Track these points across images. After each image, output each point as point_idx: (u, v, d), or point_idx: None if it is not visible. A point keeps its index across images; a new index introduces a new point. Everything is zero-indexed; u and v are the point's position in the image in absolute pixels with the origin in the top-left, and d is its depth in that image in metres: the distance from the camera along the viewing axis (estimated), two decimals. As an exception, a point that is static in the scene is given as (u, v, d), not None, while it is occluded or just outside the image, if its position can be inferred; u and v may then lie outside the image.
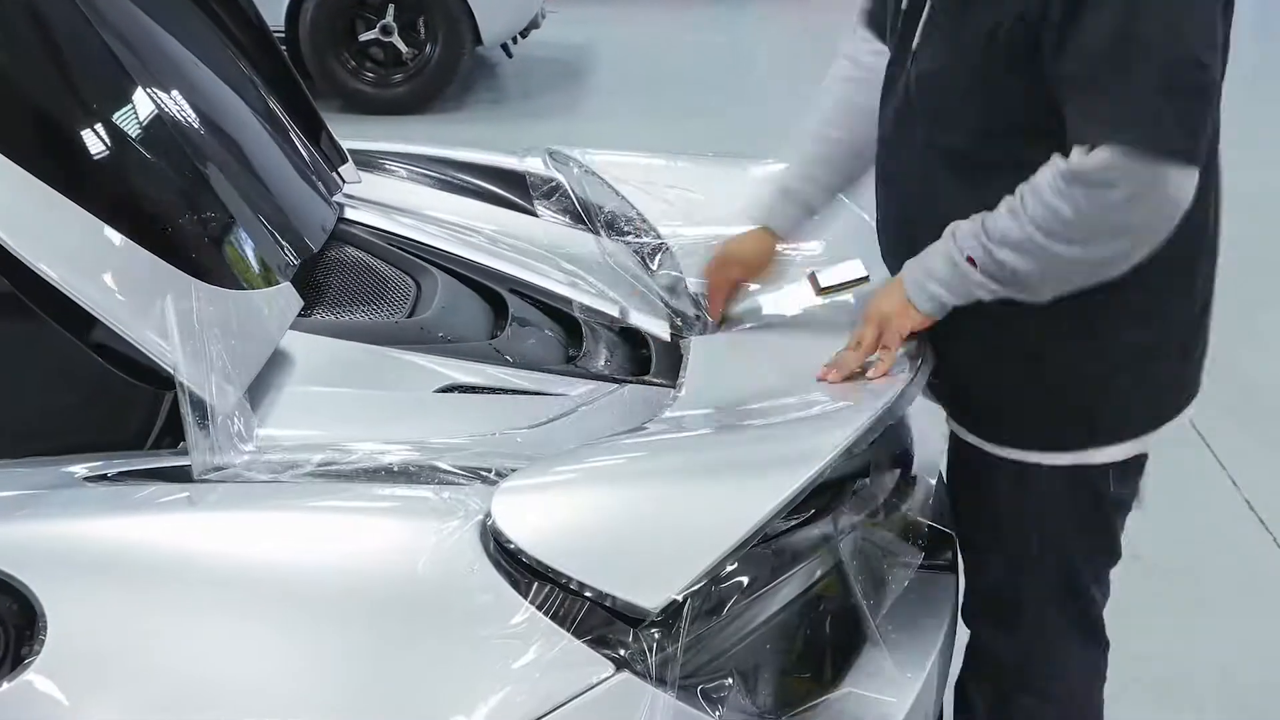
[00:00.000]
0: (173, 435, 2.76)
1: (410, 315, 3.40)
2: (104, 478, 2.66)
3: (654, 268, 3.82)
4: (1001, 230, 2.67)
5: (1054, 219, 2.59)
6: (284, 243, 3.35)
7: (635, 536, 2.58)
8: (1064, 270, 2.69)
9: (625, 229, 4.01)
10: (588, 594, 2.39)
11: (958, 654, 3.27)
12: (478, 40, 10.29)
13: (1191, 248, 2.83)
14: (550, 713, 2.34)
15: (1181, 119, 2.55)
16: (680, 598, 2.38)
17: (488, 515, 2.46)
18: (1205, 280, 2.95)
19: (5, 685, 2.27)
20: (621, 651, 2.39)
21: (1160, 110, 2.53)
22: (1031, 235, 2.62)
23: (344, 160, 4.06)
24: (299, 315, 3.13)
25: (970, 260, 2.71)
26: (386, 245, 3.73)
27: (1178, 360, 2.97)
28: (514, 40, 10.87)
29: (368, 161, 4.31)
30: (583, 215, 4.09)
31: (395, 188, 4.20)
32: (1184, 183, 2.56)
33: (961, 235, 2.75)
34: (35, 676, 2.26)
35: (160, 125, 3.25)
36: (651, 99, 9.82)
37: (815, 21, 12.69)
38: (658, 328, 3.50)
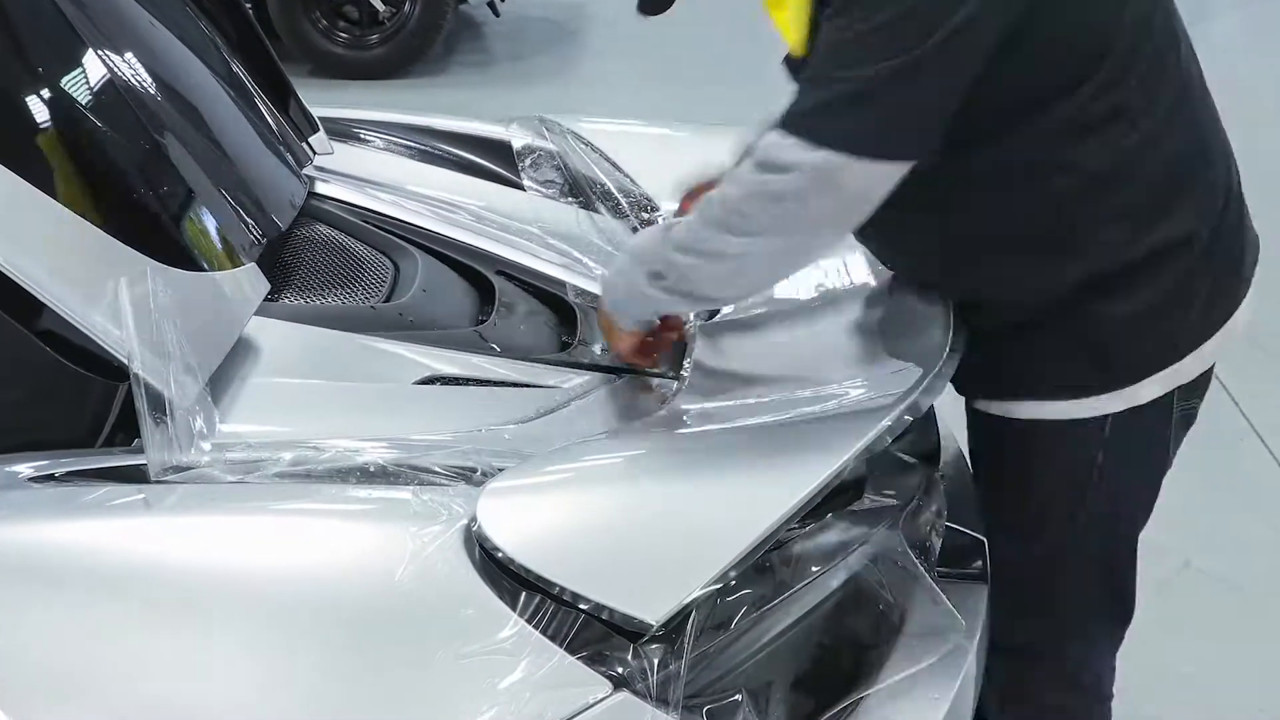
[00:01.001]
0: (126, 431, 2.77)
1: (387, 299, 3.42)
2: (51, 478, 2.66)
3: None
4: (677, 237, 2.76)
5: (724, 207, 2.68)
6: (249, 220, 3.38)
7: (635, 543, 2.58)
8: (736, 266, 2.75)
9: (622, 204, 4.03)
10: (583, 606, 2.39)
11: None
12: (461, -4, 10.36)
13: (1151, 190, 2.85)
14: None
15: (862, 110, 2.58)
16: (684, 610, 2.38)
17: (473, 519, 2.47)
18: (1193, 219, 2.91)
19: (-58, 706, 2.28)
20: (620, 669, 2.40)
21: (831, 100, 2.59)
22: (700, 231, 2.72)
23: (315, 129, 4.10)
24: (266, 299, 3.15)
25: (654, 274, 2.81)
26: (361, 222, 3.76)
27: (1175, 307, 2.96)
28: (501, -2, 10.92)
29: (341, 131, 4.34)
30: (576, 189, 4.12)
31: (371, 159, 4.23)
32: (866, 177, 2.59)
33: (641, 249, 2.91)
34: (-25, 696, 2.27)
35: (112, 89, 3.27)
36: (651, 62, 9.87)
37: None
38: None
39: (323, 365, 3.10)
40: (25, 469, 2.68)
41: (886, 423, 2.67)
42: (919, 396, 2.79)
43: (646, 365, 3.17)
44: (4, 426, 2.80)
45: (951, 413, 3.36)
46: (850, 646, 2.90)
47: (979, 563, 3.18)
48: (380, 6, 10.38)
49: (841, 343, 3.21)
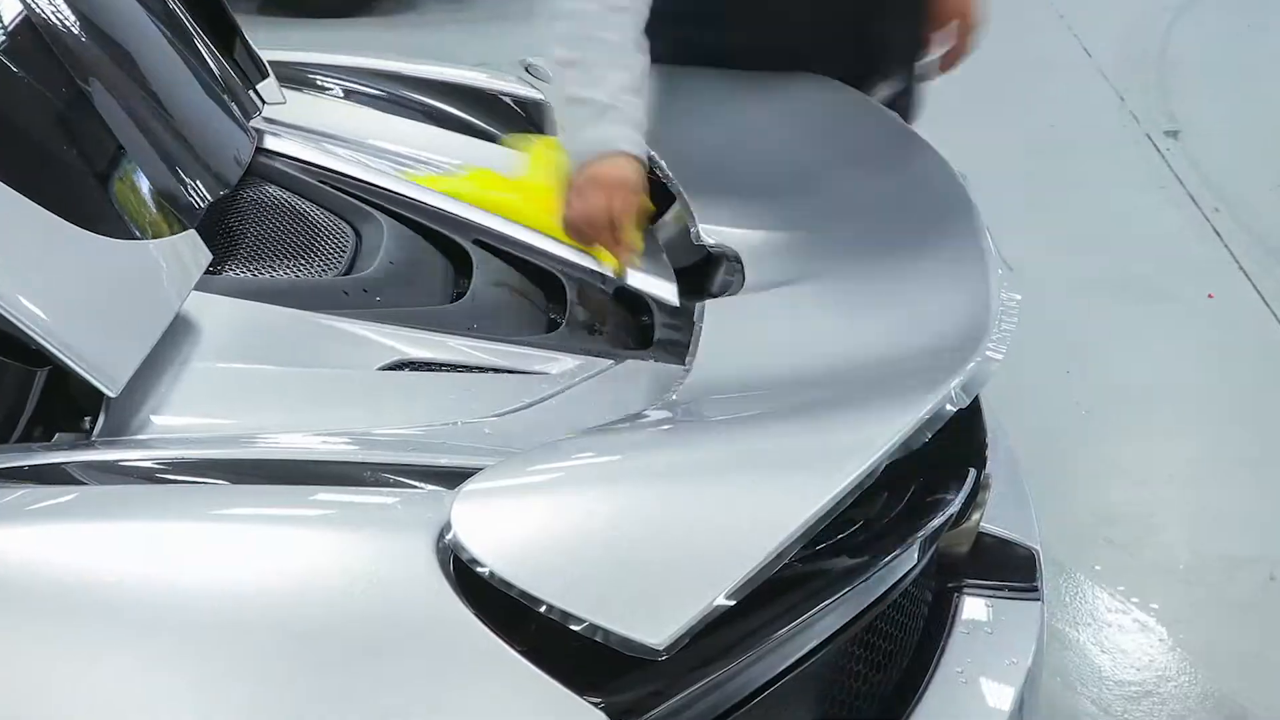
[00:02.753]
0: (46, 424, 2.82)
1: (347, 272, 3.46)
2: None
3: (655, 214, 3.79)
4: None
5: None
6: (188, 180, 3.40)
7: (635, 554, 2.55)
8: None
9: None
10: (575, 627, 2.35)
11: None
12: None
13: None
14: None
15: None
16: (691, 632, 2.33)
17: (446, 527, 2.46)
18: None
19: None
20: (618, 698, 2.39)
21: None
22: None
23: (264, 75, 4.14)
24: (207, 272, 3.18)
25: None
26: (318, 183, 3.80)
27: None
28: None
29: (294, 77, 4.40)
30: None
31: (329, 110, 4.29)
32: None
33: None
34: None
35: (27, 29, 3.29)
36: None
37: None
38: (662, 290, 3.55)
39: (273, 348, 3.12)
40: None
41: (923, 415, 2.66)
42: (966, 383, 2.77)
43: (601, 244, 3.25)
44: None
45: (999, 404, 3.40)
46: (887, 671, 2.91)
47: (1031, 576, 3.17)
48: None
49: (866, 327, 3.22)
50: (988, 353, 2.85)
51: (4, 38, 3.22)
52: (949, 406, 2.71)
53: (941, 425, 2.71)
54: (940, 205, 3.49)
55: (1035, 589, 3.13)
